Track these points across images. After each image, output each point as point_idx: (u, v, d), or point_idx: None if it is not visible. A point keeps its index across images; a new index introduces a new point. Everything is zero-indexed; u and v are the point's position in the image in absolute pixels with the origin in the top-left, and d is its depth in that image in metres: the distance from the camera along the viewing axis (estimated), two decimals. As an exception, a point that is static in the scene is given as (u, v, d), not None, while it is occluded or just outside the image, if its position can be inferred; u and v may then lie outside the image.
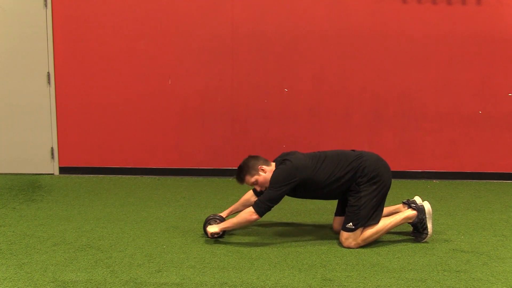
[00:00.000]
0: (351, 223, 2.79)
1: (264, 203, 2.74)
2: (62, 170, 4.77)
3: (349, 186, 2.85)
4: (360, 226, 2.78)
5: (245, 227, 3.07)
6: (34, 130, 4.69)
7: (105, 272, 2.43)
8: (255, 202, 2.79)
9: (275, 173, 2.80)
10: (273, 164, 2.94)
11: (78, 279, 2.35)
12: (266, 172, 2.87)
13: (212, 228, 2.87)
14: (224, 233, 2.95)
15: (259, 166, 2.88)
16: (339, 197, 2.99)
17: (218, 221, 2.95)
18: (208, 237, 2.91)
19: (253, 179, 2.88)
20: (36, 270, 2.44)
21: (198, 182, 4.56)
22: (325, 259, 2.64)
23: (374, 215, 2.81)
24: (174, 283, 2.32)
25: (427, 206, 2.92)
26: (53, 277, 2.36)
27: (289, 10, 4.57)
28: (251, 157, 2.95)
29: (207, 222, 2.97)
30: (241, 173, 2.91)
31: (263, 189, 2.89)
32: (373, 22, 4.57)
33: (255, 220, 2.77)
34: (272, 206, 2.77)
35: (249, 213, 2.76)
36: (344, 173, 2.82)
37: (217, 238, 2.92)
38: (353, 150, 2.97)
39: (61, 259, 2.60)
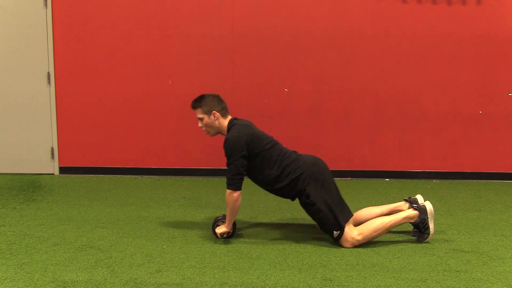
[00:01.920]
0: (334, 232, 2.81)
1: (233, 179, 2.79)
2: (62, 170, 4.77)
3: (296, 194, 2.87)
4: (338, 229, 2.79)
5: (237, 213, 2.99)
6: (34, 130, 4.69)
7: (105, 272, 2.43)
8: (227, 182, 2.82)
9: (227, 144, 2.81)
10: (228, 118, 2.95)
11: (78, 279, 2.35)
12: (216, 120, 2.91)
13: (220, 229, 2.90)
14: (234, 231, 2.95)
15: (214, 110, 2.90)
16: (265, 188, 2.96)
17: (224, 220, 2.96)
18: (218, 237, 2.92)
19: (201, 115, 2.92)
20: (36, 270, 2.44)
21: (198, 182, 4.56)
22: (325, 259, 2.64)
23: (340, 213, 2.82)
24: (174, 283, 2.32)
25: (428, 206, 2.91)
26: (53, 277, 2.36)
27: (289, 10, 4.57)
28: (217, 98, 2.96)
29: (215, 223, 2.97)
30: (197, 102, 2.93)
31: (205, 131, 2.95)
32: (373, 22, 4.58)
33: (238, 196, 2.81)
34: (242, 177, 2.81)
35: (229, 195, 2.81)
36: (287, 164, 2.85)
37: (228, 237, 2.93)
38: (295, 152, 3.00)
39: (61, 259, 2.60)
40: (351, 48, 4.62)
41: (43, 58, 4.60)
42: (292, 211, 3.60)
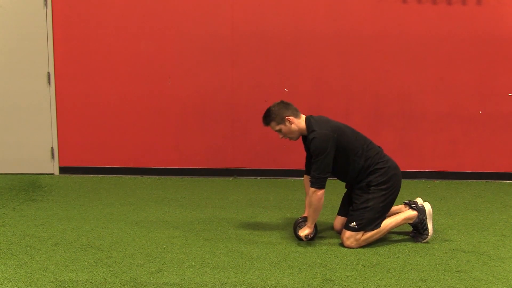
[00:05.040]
0: (354, 223, 2.79)
1: (319, 178, 2.74)
2: (62, 170, 4.77)
3: (361, 180, 2.85)
4: (363, 228, 2.79)
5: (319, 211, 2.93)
6: (34, 130, 4.69)
7: (105, 272, 2.43)
8: (311, 181, 2.77)
9: (314, 143, 2.75)
10: (303, 117, 2.89)
11: (78, 279, 2.35)
12: (292, 124, 2.86)
13: (304, 231, 2.86)
14: (316, 232, 2.92)
15: (287, 116, 2.85)
16: (350, 181, 2.94)
17: (305, 222, 2.93)
18: (303, 240, 2.88)
19: (277, 127, 2.88)
20: (36, 270, 2.44)
21: (198, 182, 4.56)
22: (325, 259, 2.64)
23: (378, 221, 2.82)
24: (174, 283, 2.32)
25: (427, 207, 2.92)
26: (53, 277, 2.36)
27: (289, 10, 4.57)
28: (283, 104, 2.89)
29: (298, 226, 2.93)
30: (267, 118, 2.89)
31: (286, 138, 2.92)
32: (373, 22, 4.58)
33: (322, 194, 2.76)
34: (328, 176, 2.76)
35: (314, 194, 2.76)
36: (372, 155, 2.84)
37: (311, 239, 2.90)
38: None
39: (61, 259, 2.60)
40: (351, 48, 4.62)
41: (43, 58, 4.60)
42: (292, 210, 3.60)
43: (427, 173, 4.76)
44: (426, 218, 2.89)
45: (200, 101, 4.67)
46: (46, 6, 4.54)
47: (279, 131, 2.89)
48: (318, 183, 2.75)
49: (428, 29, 4.57)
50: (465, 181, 4.69)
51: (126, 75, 4.66)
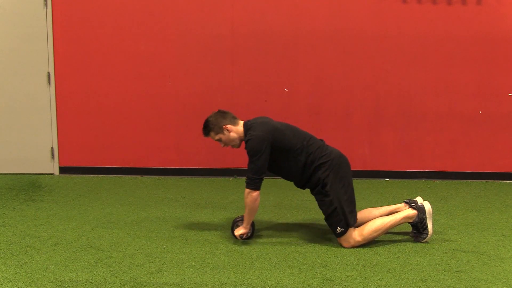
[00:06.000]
0: (338, 228, 2.79)
1: (254, 179, 2.77)
2: (62, 170, 4.77)
3: (309, 178, 2.84)
4: (348, 226, 2.78)
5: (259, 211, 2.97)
6: (34, 130, 4.69)
7: (105, 272, 2.43)
8: (246, 182, 2.80)
9: (249, 144, 2.80)
10: (241, 123, 2.93)
11: (78, 279, 2.35)
12: (231, 132, 2.90)
13: (239, 231, 2.88)
14: (253, 232, 2.94)
15: (224, 125, 2.89)
16: (299, 180, 2.93)
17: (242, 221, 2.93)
18: (238, 239, 2.89)
19: (217, 137, 2.93)
20: (36, 270, 2.44)
21: (198, 182, 4.56)
22: (325, 259, 2.64)
23: (354, 211, 2.83)
24: (174, 283, 2.32)
25: (427, 206, 2.91)
26: (53, 277, 2.36)
27: (289, 10, 4.57)
28: (220, 113, 2.95)
29: (235, 225, 2.95)
30: (206, 128, 2.94)
31: (227, 146, 2.96)
32: (373, 22, 4.58)
33: (258, 196, 2.78)
34: (262, 177, 2.79)
35: (249, 195, 2.78)
36: (312, 151, 2.83)
37: (247, 238, 2.91)
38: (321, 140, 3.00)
39: (61, 259, 2.60)
40: (351, 48, 4.62)
41: (43, 58, 4.61)
42: (292, 211, 3.60)
43: (427, 173, 4.76)
44: (426, 217, 2.88)
45: (200, 101, 4.67)
46: (46, 6, 4.54)
47: (219, 140, 2.94)
48: (253, 184, 2.77)
49: (428, 29, 4.57)
50: (465, 181, 4.69)
51: (126, 75, 4.66)
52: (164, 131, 4.72)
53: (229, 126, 2.90)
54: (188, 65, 4.65)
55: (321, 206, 2.87)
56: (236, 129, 2.91)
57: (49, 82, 4.65)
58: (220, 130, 2.90)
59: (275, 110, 4.68)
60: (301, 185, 2.96)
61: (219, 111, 2.97)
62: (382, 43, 4.60)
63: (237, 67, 4.64)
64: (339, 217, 2.78)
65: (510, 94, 4.65)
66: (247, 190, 2.78)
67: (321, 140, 2.98)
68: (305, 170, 2.85)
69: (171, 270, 2.46)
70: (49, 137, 4.72)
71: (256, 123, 2.89)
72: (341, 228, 2.78)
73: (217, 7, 4.57)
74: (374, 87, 4.66)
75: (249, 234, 2.91)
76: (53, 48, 4.61)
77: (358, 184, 4.52)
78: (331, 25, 4.58)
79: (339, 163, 2.85)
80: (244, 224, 2.88)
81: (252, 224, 2.94)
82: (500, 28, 4.56)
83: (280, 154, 2.83)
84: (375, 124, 4.71)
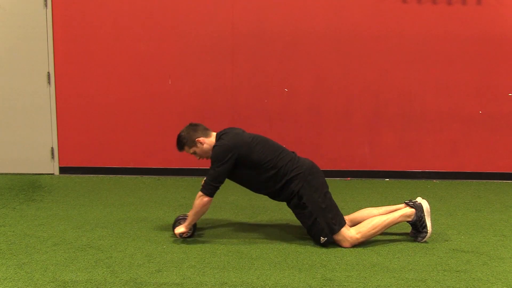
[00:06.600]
0: (321, 237, 2.79)
1: (210, 184, 2.79)
2: (62, 170, 4.77)
3: (280, 190, 2.84)
4: (331, 233, 2.78)
5: (203, 215, 2.95)
6: (34, 130, 4.69)
7: (105, 272, 2.43)
8: (202, 185, 2.82)
9: (214, 151, 2.82)
10: (214, 134, 2.95)
11: (78, 279, 2.35)
12: (204, 144, 2.91)
13: (179, 229, 2.88)
14: (194, 232, 2.95)
15: (197, 138, 2.91)
16: (271, 194, 2.92)
17: (185, 220, 2.93)
18: (178, 237, 2.90)
19: (191, 150, 2.95)
20: (36, 270, 2.44)
21: (198, 182, 4.55)
22: (325, 259, 2.64)
23: (336, 217, 2.81)
24: (174, 283, 2.32)
25: (425, 204, 2.90)
26: (53, 277, 2.36)
27: (289, 10, 4.57)
28: (191, 127, 2.96)
29: (177, 222, 2.95)
30: (179, 144, 2.97)
31: (203, 158, 2.97)
32: (373, 22, 4.58)
33: (208, 202, 2.81)
34: (218, 185, 2.81)
35: (200, 198, 2.81)
36: (283, 164, 2.83)
37: (187, 237, 2.92)
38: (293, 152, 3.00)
39: (61, 259, 2.60)
40: (351, 48, 4.62)
41: (43, 58, 4.60)
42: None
43: (427, 173, 4.76)
44: (424, 215, 2.88)
45: (200, 101, 4.67)
46: (46, 6, 4.54)
47: (194, 153, 2.96)
48: (208, 190, 2.79)
49: (428, 29, 4.57)
50: (465, 181, 4.69)
51: (126, 75, 4.66)
52: (164, 131, 4.72)
53: (201, 139, 2.91)
54: (188, 65, 4.65)
55: (300, 219, 2.87)
56: (209, 141, 2.92)
57: (49, 82, 4.65)
58: (193, 143, 2.92)
59: (275, 110, 4.68)
60: (272, 197, 2.96)
61: (190, 125, 2.99)
62: (382, 43, 4.60)
63: (237, 67, 4.64)
64: (320, 226, 2.78)
65: (510, 94, 4.65)
66: (200, 193, 2.81)
67: (293, 152, 2.99)
68: (276, 183, 2.85)
69: (171, 270, 2.46)
70: (49, 137, 4.72)
71: (227, 133, 2.91)
72: (324, 237, 2.78)
73: (217, 7, 4.57)
74: (374, 87, 4.66)
75: (189, 234, 2.92)
76: (53, 48, 4.61)
77: (358, 184, 4.53)
78: (331, 25, 4.58)
79: (311, 173, 2.86)
80: (186, 223, 2.88)
81: (194, 225, 2.94)
82: (500, 28, 4.56)
83: (248, 169, 2.84)
84: (375, 124, 4.71)
